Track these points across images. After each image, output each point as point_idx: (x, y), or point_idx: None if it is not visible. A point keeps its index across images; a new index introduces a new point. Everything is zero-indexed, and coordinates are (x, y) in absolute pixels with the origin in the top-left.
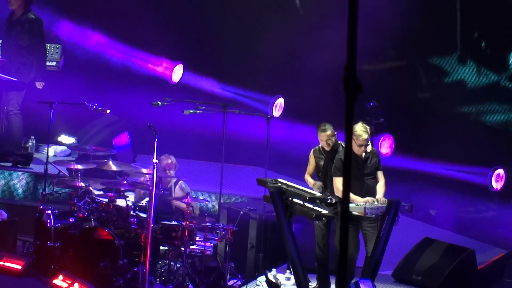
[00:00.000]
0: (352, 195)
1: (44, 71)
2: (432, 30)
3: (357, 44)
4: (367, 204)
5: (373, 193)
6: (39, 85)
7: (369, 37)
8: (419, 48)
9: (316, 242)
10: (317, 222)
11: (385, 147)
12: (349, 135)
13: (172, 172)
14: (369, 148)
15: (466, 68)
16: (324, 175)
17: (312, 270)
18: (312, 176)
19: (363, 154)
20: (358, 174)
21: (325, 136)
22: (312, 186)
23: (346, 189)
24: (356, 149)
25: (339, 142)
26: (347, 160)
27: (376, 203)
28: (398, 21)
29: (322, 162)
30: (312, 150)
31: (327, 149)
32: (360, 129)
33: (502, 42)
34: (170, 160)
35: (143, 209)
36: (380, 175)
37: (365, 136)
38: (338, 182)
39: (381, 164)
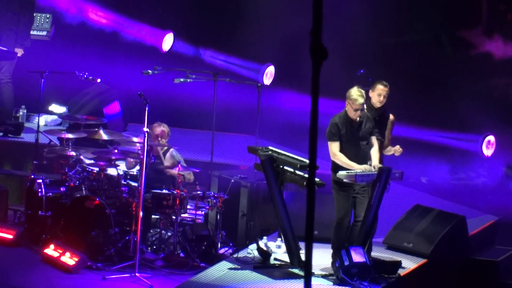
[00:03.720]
0: (349, 162)
1: (26, 39)
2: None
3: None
4: (359, 171)
5: (367, 158)
6: (18, 52)
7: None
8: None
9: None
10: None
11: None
12: (315, 100)
13: (164, 141)
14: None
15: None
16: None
17: (303, 238)
18: None
19: (358, 118)
20: (353, 139)
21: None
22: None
23: (313, 155)
24: (352, 113)
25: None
26: (312, 126)
27: (373, 169)
28: None
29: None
30: None
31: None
32: (356, 93)
33: None
34: (162, 127)
35: (134, 178)
36: (374, 140)
37: (361, 100)
38: (334, 147)
39: (374, 129)
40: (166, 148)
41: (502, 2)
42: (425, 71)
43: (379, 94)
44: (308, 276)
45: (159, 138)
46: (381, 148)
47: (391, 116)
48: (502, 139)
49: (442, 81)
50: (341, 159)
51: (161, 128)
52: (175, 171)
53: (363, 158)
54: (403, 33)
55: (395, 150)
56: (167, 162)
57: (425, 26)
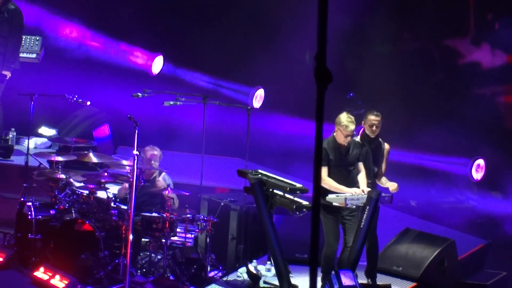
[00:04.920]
0: (338, 185)
1: (14, 62)
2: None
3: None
4: (348, 195)
5: (354, 183)
6: (6, 74)
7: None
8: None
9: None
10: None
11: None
12: (319, 124)
13: (156, 164)
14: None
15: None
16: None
17: (293, 261)
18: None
19: (346, 144)
20: (341, 164)
21: None
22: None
23: (317, 178)
24: (341, 139)
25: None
26: (317, 150)
27: (362, 193)
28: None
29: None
30: None
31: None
32: (347, 120)
33: None
34: (155, 151)
35: (123, 201)
36: (361, 166)
37: (352, 127)
38: (322, 172)
39: (361, 155)
40: (157, 172)
41: (489, 11)
42: (413, 90)
43: (371, 125)
44: None
45: (152, 161)
46: (374, 177)
47: (387, 145)
48: (491, 163)
49: (431, 103)
50: (329, 183)
51: (152, 152)
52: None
53: (350, 183)
54: (391, 43)
55: (392, 186)
56: (158, 186)
57: (413, 36)
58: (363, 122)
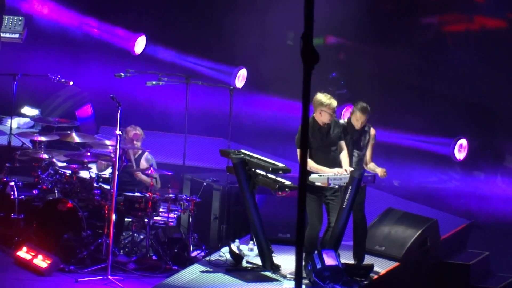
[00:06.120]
0: (319, 166)
1: None
2: None
3: None
4: (331, 174)
5: (337, 163)
6: None
7: None
8: None
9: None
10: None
11: (347, 117)
12: (306, 104)
13: (139, 144)
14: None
15: None
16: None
17: (275, 241)
18: None
19: (326, 124)
20: (322, 145)
21: None
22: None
23: (304, 159)
24: (327, 118)
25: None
26: (304, 130)
27: (345, 173)
28: None
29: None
30: None
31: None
32: (327, 98)
33: None
34: (137, 131)
35: (106, 181)
36: (343, 144)
37: (335, 102)
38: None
39: (342, 133)
40: (140, 152)
41: None
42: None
43: (357, 119)
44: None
45: (134, 141)
46: (357, 162)
47: (373, 130)
48: (474, 143)
49: (413, 82)
50: (310, 165)
51: (135, 131)
52: (145, 177)
53: (332, 163)
54: None
55: (381, 172)
56: (141, 166)
57: None
58: (351, 112)
